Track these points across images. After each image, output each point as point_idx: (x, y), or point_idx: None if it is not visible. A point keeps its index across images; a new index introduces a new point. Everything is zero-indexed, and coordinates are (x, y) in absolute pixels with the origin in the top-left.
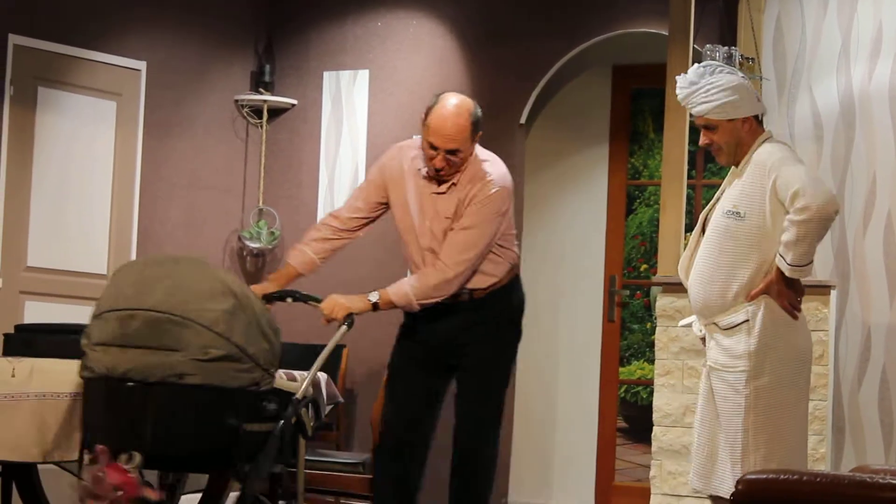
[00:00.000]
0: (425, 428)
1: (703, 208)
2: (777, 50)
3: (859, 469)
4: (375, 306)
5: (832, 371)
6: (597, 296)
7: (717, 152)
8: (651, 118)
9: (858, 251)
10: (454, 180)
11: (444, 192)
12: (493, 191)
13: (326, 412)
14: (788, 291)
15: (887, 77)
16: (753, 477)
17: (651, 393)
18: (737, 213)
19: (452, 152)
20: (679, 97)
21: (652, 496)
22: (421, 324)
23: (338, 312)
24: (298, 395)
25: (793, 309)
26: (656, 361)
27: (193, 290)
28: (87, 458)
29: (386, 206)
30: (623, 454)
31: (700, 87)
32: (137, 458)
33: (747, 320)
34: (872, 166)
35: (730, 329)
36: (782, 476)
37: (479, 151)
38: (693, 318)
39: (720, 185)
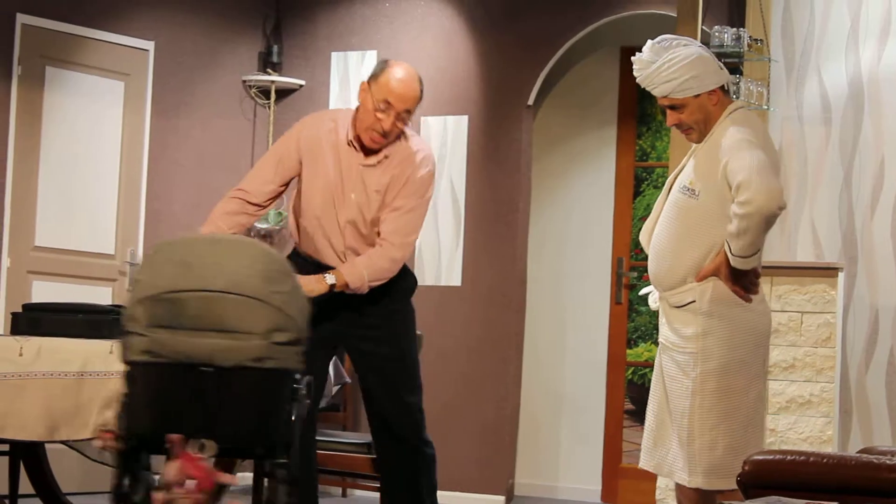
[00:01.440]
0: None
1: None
2: (785, 31)
3: (866, 451)
4: (332, 288)
5: (839, 353)
6: (604, 278)
7: (687, 132)
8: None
9: (866, 233)
10: (386, 153)
11: (373, 165)
12: (428, 170)
13: (333, 393)
14: (738, 275)
15: None
16: (760, 458)
17: None
18: (692, 190)
19: (404, 115)
20: (637, 79)
21: (658, 478)
22: (323, 303)
23: None
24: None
25: (745, 292)
26: None
27: (266, 271)
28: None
29: (292, 179)
30: (630, 436)
31: (658, 65)
32: (211, 446)
33: (694, 301)
34: (881, 149)
35: (678, 308)
36: (789, 457)
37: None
38: (652, 287)
39: None
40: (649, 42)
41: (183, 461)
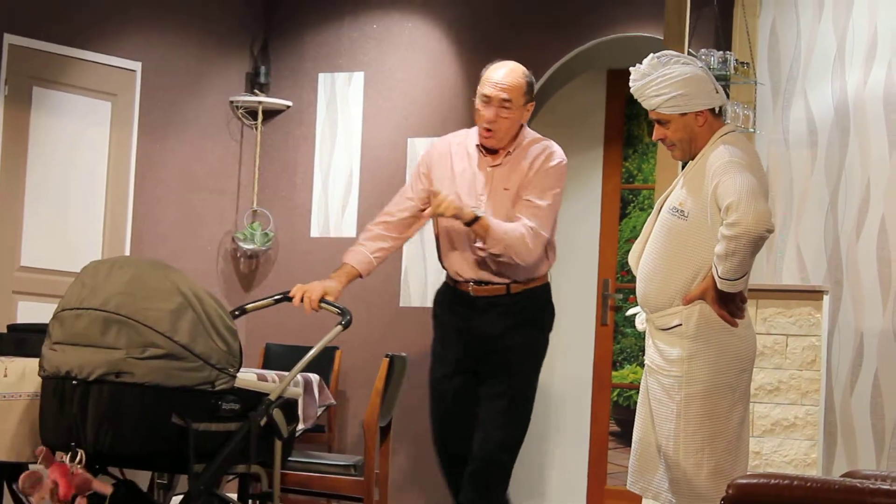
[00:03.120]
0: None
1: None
2: (772, 55)
3: (850, 474)
4: (472, 221)
5: (824, 376)
6: (590, 299)
7: (670, 148)
8: (646, 122)
9: (851, 257)
10: (509, 149)
11: (499, 164)
12: (556, 162)
13: (319, 414)
14: (725, 298)
15: (882, 82)
16: (744, 481)
17: None
18: (681, 211)
19: (505, 103)
20: (632, 89)
21: (643, 500)
22: (457, 322)
23: (447, 209)
24: (272, 396)
25: (731, 316)
26: None
27: (141, 290)
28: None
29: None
30: (615, 458)
31: (652, 79)
32: (80, 455)
33: (680, 324)
34: (867, 172)
35: (664, 330)
36: (773, 481)
37: (532, 132)
38: (639, 308)
39: None
40: (651, 55)
41: (50, 469)
